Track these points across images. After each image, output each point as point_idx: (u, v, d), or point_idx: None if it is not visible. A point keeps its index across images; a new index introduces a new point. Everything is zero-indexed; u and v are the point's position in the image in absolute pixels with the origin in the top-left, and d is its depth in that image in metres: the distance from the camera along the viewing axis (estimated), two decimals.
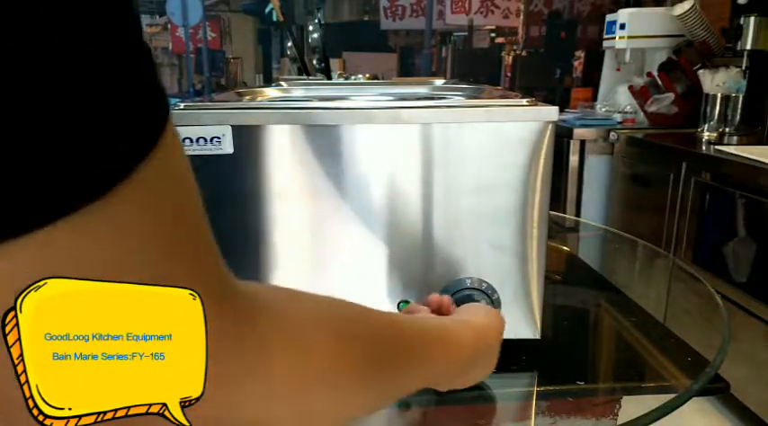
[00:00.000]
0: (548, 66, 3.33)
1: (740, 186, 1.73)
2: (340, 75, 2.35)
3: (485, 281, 0.59)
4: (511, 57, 3.32)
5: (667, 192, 2.09)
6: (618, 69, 2.90)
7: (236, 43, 2.99)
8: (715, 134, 2.26)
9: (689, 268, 1.15)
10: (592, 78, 3.26)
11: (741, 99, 2.14)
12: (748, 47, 2.05)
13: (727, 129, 2.16)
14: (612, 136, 2.47)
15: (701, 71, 2.32)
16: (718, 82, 2.21)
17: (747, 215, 1.74)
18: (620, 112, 2.76)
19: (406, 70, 3.22)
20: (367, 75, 2.42)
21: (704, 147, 2.09)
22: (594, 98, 3.20)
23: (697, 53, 2.53)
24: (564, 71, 3.34)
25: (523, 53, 3.31)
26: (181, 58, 2.97)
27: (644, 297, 0.89)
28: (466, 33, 3.22)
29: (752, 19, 2.10)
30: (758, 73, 2.11)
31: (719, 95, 2.23)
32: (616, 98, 2.87)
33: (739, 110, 2.14)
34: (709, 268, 1.89)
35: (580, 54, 3.34)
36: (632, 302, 0.83)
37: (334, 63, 3.22)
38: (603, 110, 2.85)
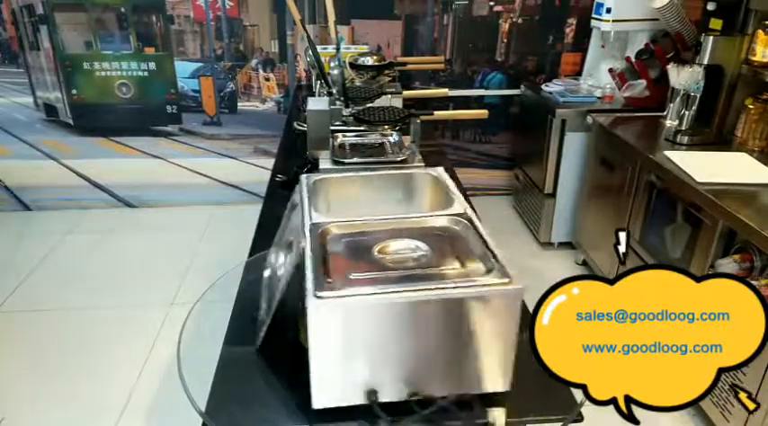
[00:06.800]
0: (541, 32, 3.59)
1: (674, 188, 2.15)
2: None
3: None
4: (507, 25, 3.57)
5: (626, 179, 2.51)
6: (603, 46, 3.18)
7: (252, 11, 3.25)
8: (676, 121, 2.63)
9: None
10: (582, 44, 3.52)
11: (698, 99, 2.48)
12: (705, 62, 2.35)
13: (682, 127, 2.53)
14: (588, 119, 2.83)
15: (669, 65, 2.63)
16: (681, 80, 2.54)
17: (679, 209, 2.19)
18: (600, 88, 3.10)
19: (411, 36, 3.50)
20: (375, 58, 2.69)
21: (660, 144, 2.46)
22: (582, 63, 3.49)
23: (672, 43, 2.83)
24: (556, 38, 3.60)
25: (519, 20, 3.55)
26: (202, 26, 3.24)
27: None
28: (466, 2, 3.45)
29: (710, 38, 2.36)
30: (715, 78, 2.43)
31: (681, 91, 2.57)
32: (599, 75, 3.18)
33: (694, 110, 2.49)
34: (652, 246, 2.37)
35: (572, 21, 3.57)
36: None
37: (344, 30, 3.47)
38: (587, 85, 3.18)
